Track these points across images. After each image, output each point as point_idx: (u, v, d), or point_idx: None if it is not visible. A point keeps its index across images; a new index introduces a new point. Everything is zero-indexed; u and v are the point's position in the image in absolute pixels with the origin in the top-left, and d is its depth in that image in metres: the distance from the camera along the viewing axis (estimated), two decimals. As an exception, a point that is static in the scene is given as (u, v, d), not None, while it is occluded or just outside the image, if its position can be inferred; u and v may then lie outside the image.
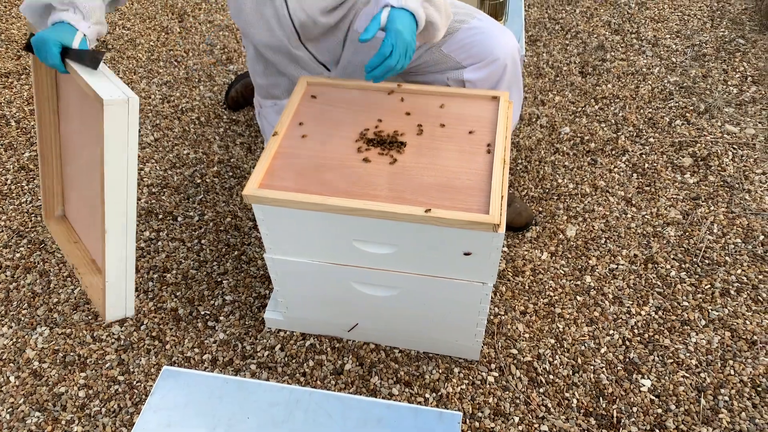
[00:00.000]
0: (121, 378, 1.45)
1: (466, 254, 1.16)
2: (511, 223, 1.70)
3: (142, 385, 1.44)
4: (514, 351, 1.45)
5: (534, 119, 2.10)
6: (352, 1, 1.46)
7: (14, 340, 1.54)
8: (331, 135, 1.28)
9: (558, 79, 2.27)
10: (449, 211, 1.09)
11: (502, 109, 1.30)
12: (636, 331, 1.48)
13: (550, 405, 1.35)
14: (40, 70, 1.46)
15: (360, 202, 1.12)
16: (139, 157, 2.06)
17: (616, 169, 1.91)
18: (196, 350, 1.50)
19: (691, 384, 1.37)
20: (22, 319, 1.59)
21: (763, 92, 2.13)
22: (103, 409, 1.39)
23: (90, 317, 1.58)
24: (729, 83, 2.19)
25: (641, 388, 1.37)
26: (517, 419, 1.33)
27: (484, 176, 1.17)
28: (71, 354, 1.51)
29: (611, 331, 1.48)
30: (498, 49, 1.41)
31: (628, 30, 2.49)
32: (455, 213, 1.09)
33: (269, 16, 1.41)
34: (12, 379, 1.46)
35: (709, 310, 1.51)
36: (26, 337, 1.55)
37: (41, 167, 1.60)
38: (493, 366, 1.43)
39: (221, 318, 1.57)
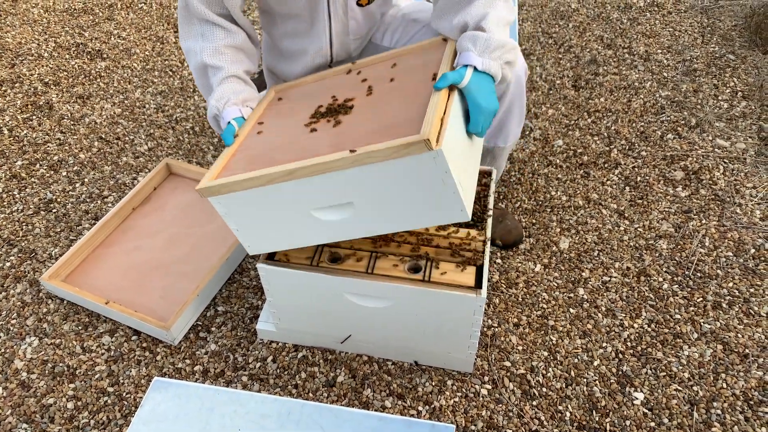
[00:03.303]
0: (110, 389, 1.43)
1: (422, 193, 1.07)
2: (500, 240, 1.70)
3: (132, 396, 1.42)
4: (508, 363, 1.45)
5: (527, 132, 2.11)
6: (381, 23, 1.48)
7: (2, 350, 1.52)
8: (286, 125, 1.27)
9: (551, 92, 2.29)
10: (377, 144, 1.00)
11: (449, 46, 1.27)
12: (629, 343, 1.48)
13: (543, 418, 1.35)
14: None
15: (295, 163, 1.06)
16: (132, 166, 2.06)
17: (608, 182, 1.92)
18: (188, 361, 1.49)
19: (683, 397, 1.37)
20: (11, 329, 1.57)
21: (753, 107, 2.16)
22: (92, 421, 1.37)
23: (80, 327, 1.57)
24: (719, 98, 2.21)
25: (634, 401, 1.37)
26: (510, 432, 1.33)
27: (425, 107, 1.08)
28: (60, 365, 1.49)
29: (604, 344, 1.49)
30: None
31: (621, 45, 2.52)
32: (383, 144, 1.00)
33: (311, 52, 1.45)
34: (-1, 390, 1.44)
35: (702, 323, 1.52)
36: (15, 347, 1.53)
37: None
38: (486, 378, 1.42)
39: (213, 329, 1.56)
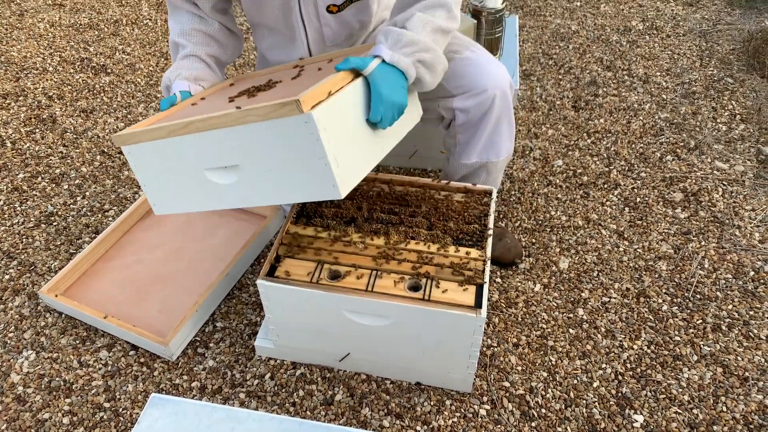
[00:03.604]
0: (107, 405, 1.42)
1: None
2: (498, 258, 1.71)
3: (128, 412, 1.41)
4: (507, 384, 1.44)
5: (527, 152, 2.13)
6: (367, 31, 1.51)
7: (-1, 363, 1.52)
8: (216, 100, 1.30)
9: (551, 112, 2.31)
10: (258, 104, 1.04)
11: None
12: (628, 365, 1.48)
13: (542, 439, 1.34)
14: None
15: (191, 117, 1.12)
16: (133, 180, 2.06)
17: (608, 203, 1.93)
18: (185, 377, 1.48)
19: (683, 420, 1.37)
20: (8, 342, 1.57)
21: (751, 130, 2.18)
22: (87, 437, 1.36)
23: (78, 341, 1.56)
24: (718, 121, 2.23)
25: (634, 424, 1.36)
26: (508, 454, 1.32)
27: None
28: (57, 379, 1.48)
29: (604, 365, 1.48)
30: (487, 80, 1.44)
31: (620, 67, 2.55)
32: (263, 103, 1.03)
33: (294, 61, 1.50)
34: (-5, 404, 1.43)
35: (701, 346, 1.51)
36: (12, 360, 1.52)
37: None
38: (485, 399, 1.41)
39: (211, 345, 1.55)
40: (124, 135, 1.22)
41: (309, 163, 1.06)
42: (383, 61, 1.18)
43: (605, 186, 1.99)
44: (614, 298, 1.64)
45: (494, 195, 1.48)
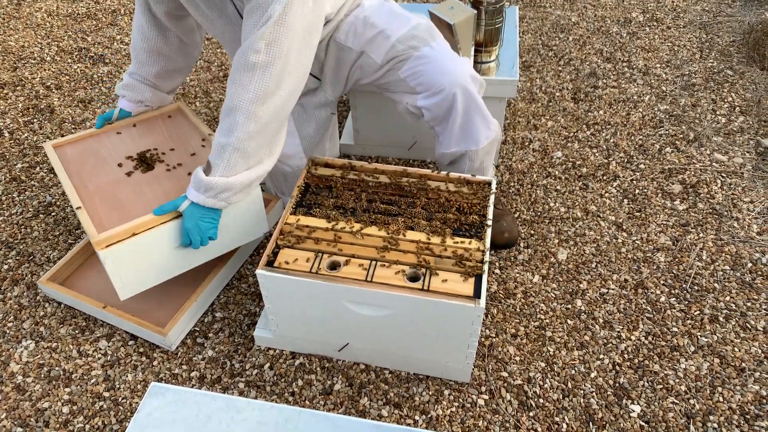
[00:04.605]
0: (106, 394, 1.43)
1: None
2: (494, 240, 1.70)
3: (128, 401, 1.41)
4: (505, 374, 1.45)
5: (527, 143, 2.13)
6: (336, 18, 1.50)
7: (-2, 353, 1.52)
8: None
9: (551, 104, 2.31)
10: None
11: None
12: (626, 355, 1.49)
13: (539, 429, 1.35)
14: None
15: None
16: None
17: (607, 194, 1.93)
18: (184, 367, 1.48)
19: (680, 410, 1.37)
20: (8, 332, 1.57)
21: (751, 122, 2.18)
22: (87, 426, 1.37)
23: (77, 331, 1.56)
24: (717, 113, 2.23)
25: (631, 414, 1.37)
26: (506, 443, 1.32)
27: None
28: (56, 368, 1.48)
29: (601, 356, 1.49)
30: (444, 78, 1.45)
31: (620, 58, 2.54)
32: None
33: None
34: (-6, 393, 1.44)
35: (699, 337, 1.52)
36: (11, 350, 1.53)
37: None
38: (483, 389, 1.42)
39: (210, 335, 1.56)
40: (103, 239, 1.32)
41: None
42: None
43: (604, 178, 1.99)
44: (612, 289, 1.64)
45: (494, 186, 1.48)
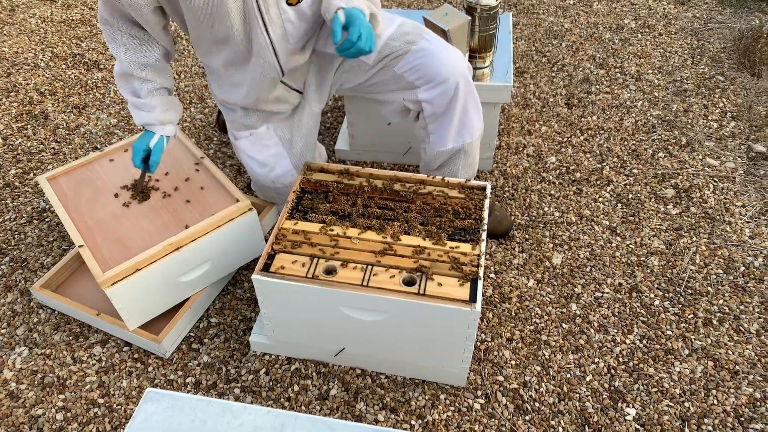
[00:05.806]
0: (101, 401, 1.42)
1: None
2: (492, 231, 1.75)
3: (123, 408, 1.40)
4: (501, 378, 1.45)
5: (521, 148, 2.14)
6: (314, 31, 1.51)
7: (-9, 360, 1.51)
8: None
9: (544, 110, 2.32)
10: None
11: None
12: (621, 359, 1.49)
13: (535, 433, 1.35)
14: None
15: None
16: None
17: (600, 199, 1.94)
18: (180, 373, 1.48)
19: (675, 413, 1.38)
20: (1, 338, 1.56)
21: (742, 128, 2.20)
22: (81, 433, 1.36)
23: (71, 337, 1.56)
24: (709, 118, 2.25)
25: (626, 417, 1.37)
26: (502, 447, 1.32)
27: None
28: (50, 375, 1.47)
29: (596, 359, 1.49)
30: (446, 69, 1.47)
31: (612, 64, 2.56)
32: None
33: (257, 73, 1.46)
34: (-13, 400, 1.42)
35: (693, 340, 1.53)
36: (4, 357, 1.51)
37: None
38: (479, 393, 1.42)
39: (206, 340, 1.55)
40: (108, 278, 1.35)
41: None
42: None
43: (598, 182, 2.00)
44: (607, 293, 1.65)
45: (488, 191, 1.49)
